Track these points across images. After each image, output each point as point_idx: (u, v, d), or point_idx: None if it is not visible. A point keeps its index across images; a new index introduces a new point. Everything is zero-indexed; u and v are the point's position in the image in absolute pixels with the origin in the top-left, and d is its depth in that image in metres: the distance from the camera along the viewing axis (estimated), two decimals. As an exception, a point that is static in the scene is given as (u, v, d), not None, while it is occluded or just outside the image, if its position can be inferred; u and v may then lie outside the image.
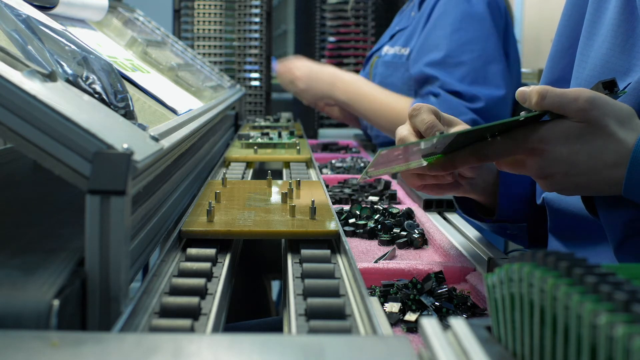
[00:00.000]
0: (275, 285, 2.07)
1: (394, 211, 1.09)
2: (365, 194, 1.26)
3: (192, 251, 0.66)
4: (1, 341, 0.40)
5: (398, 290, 0.76)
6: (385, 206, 1.12)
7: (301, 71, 1.89)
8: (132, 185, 0.52)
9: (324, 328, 0.50)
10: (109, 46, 1.20)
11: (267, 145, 1.40)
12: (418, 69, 1.70)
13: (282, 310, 0.63)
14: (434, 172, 0.78)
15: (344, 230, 0.90)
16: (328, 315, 0.53)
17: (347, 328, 0.50)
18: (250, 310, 1.78)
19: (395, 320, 0.72)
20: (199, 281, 0.57)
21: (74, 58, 0.67)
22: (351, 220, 1.05)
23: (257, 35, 2.37)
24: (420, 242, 0.98)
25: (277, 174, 1.16)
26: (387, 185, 1.30)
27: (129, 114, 0.68)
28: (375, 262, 0.88)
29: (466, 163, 0.75)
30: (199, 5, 2.34)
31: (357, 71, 2.40)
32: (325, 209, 0.81)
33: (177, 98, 1.13)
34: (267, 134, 1.51)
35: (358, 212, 1.09)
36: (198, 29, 2.35)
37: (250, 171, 1.21)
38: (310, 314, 0.53)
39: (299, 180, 0.95)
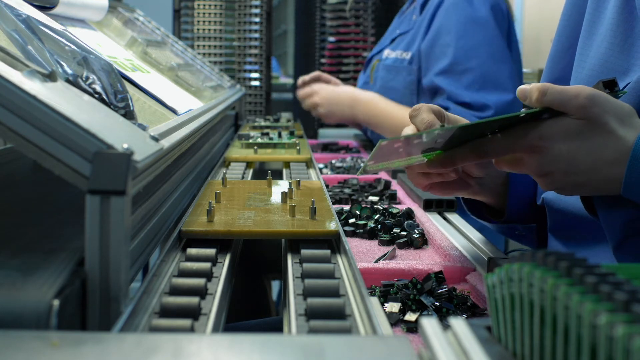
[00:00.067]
0: (275, 285, 2.07)
1: (394, 211, 1.09)
2: (365, 194, 1.26)
3: (192, 251, 0.66)
4: (1, 341, 0.40)
5: (398, 290, 0.76)
6: (385, 206, 1.12)
7: (320, 96, 1.90)
8: (132, 185, 0.52)
9: (324, 328, 0.50)
10: (109, 46, 1.20)
11: (267, 145, 1.40)
12: (429, 80, 1.70)
13: (282, 310, 0.63)
14: (433, 168, 0.77)
15: (344, 230, 0.90)
16: (328, 315, 0.53)
17: (347, 328, 0.50)
18: (250, 310, 1.78)
19: (395, 320, 0.72)
20: (199, 281, 0.57)
21: (74, 58, 0.67)
22: (351, 220, 1.05)
23: (257, 35, 2.37)
24: (420, 242, 0.98)
25: (277, 174, 1.16)
26: (387, 185, 1.30)
27: (129, 114, 0.68)
28: (375, 262, 0.88)
29: (466, 160, 0.75)
30: (199, 5, 2.34)
31: (356, 72, 2.40)
32: (325, 209, 0.81)
33: (177, 98, 1.13)
34: (267, 134, 1.51)
35: (358, 212, 1.09)
36: (198, 29, 2.35)
37: (250, 171, 1.21)
38: (310, 314, 0.53)
39: (299, 180, 0.95)
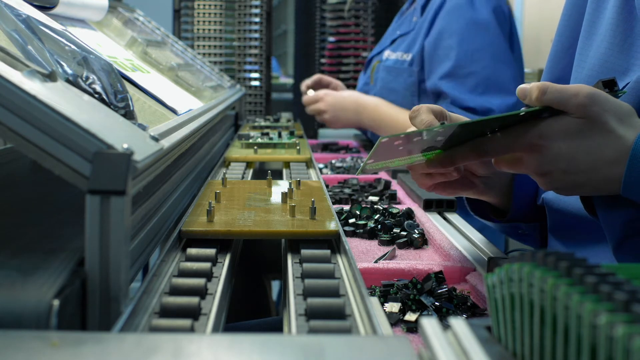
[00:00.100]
0: (275, 285, 2.07)
1: (394, 211, 1.09)
2: (365, 194, 1.26)
3: (192, 251, 0.66)
4: (1, 341, 0.40)
5: (398, 290, 0.76)
6: (385, 206, 1.12)
7: (326, 102, 1.90)
8: (132, 185, 0.52)
9: (324, 328, 0.50)
10: (109, 46, 1.20)
11: (267, 145, 1.40)
12: (432, 83, 1.70)
13: (282, 310, 0.63)
14: (433, 168, 0.77)
15: (344, 230, 0.90)
16: (328, 315, 0.53)
17: (347, 328, 0.50)
18: (250, 310, 1.78)
19: (395, 320, 0.72)
20: (199, 281, 0.57)
21: (74, 58, 0.67)
22: (351, 220, 1.05)
23: (257, 35, 2.37)
24: (420, 242, 0.98)
25: (277, 174, 1.16)
26: (387, 185, 1.30)
27: (129, 114, 0.68)
28: (375, 262, 0.88)
29: (466, 159, 0.75)
30: (199, 5, 2.34)
31: (356, 72, 2.40)
32: (325, 209, 0.81)
33: (177, 98, 1.13)
34: (267, 134, 1.51)
35: (358, 212, 1.09)
36: (198, 29, 2.35)
37: (250, 171, 1.21)
38: (310, 314, 0.53)
39: (299, 180, 0.95)
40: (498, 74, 1.64)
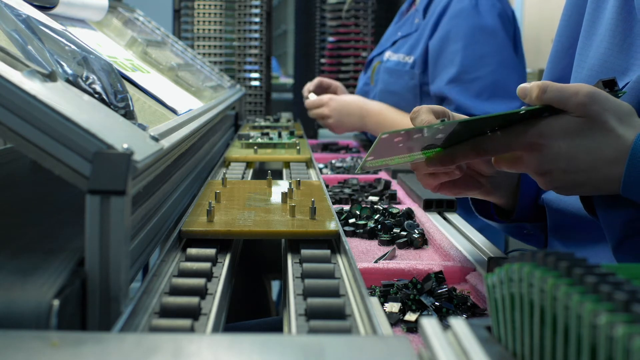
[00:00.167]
0: (275, 285, 2.07)
1: (394, 211, 1.09)
2: (365, 194, 1.26)
3: (192, 251, 0.66)
4: (1, 341, 0.40)
5: (398, 290, 0.76)
6: (385, 206, 1.12)
7: (330, 107, 1.90)
8: (132, 185, 0.52)
9: (324, 328, 0.50)
10: (109, 46, 1.20)
11: (267, 145, 1.40)
12: (437, 88, 1.69)
13: (282, 310, 0.63)
14: (433, 166, 0.77)
15: (344, 230, 0.90)
16: (328, 315, 0.53)
17: (347, 328, 0.50)
18: (250, 310, 1.78)
19: (395, 320, 0.72)
20: (199, 281, 0.57)
21: (74, 58, 0.67)
22: (351, 220, 1.05)
23: (257, 35, 2.37)
24: (420, 242, 0.98)
25: (277, 174, 1.16)
26: (387, 185, 1.30)
27: (129, 114, 0.68)
28: (375, 262, 0.88)
29: (466, 157, 0.75)
30: (199, 5, 2.34)
31: (356, 72, 2.40)
32: (325, 209, 0.81)
33: (177, 98, 1.13)
34: (267, 134, 1.51)
35: (358, 212, 1.09)
36: (198, 29, 2.35)
37: (250, 171, 1.21)
38: (310, 314, 0.53)
39: (299, 180, 0.95)
40: (504, 79, 1.63)
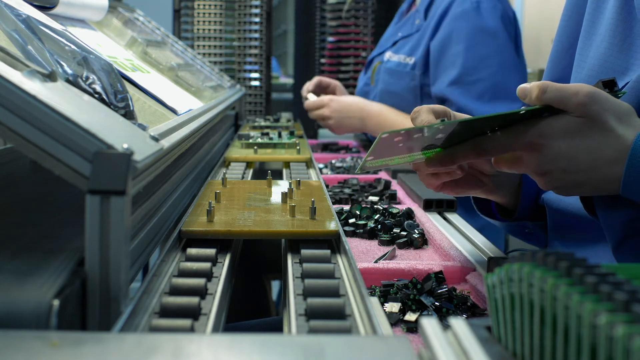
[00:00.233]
0: (275, 285, 2.07)
1: (394, 211, 1.09)
2: (365, 194, 1.26)
3: (192, 251, 0.66)
4: (1, 341, 0.40)
5: (398, 290, 0.76)
6: (385, 206, 1.12)
7: (331, 108, 1.89)
8: (132, 185, 0.52)
9: (324, 328, 0.50)
10: (109, 46, 1.20)
11: (267, 145, 1.40)
12: (438, 90, 1.69)
13: (282, 310, 0.63)
14: (433, 166, 0.77)
15: (344, 230, 0.90)
16: (328, 315, 0.53)
17: (347, 328, 0.50)
18: (250, 310, 1.78)
19: (395, 320, 0.72)
20: (199, 281, 0.57)
21: (74, 58, 0.67)
22: (351, 220, 1.05)
23: (257, 35, 2.37)
24: (420, 242, 0.98)
25: (277, 174, 1.16)
26: (387, 185, 1.30)
27: (129, 114, 0.68)
28: (375, 262, 0.88)
29: (466, 158, 0.75)
30: (199, 5, 2.34)
31: (356, 72, 2.40)
32: (325, 209, 0.81)
33: (177, 98, 1.13)
34: (267, 134, 1.51)
35: (358, 212, 1.09)
36: (198, 29, 2.35)
37: (250, 171, 1.21)
38: (310, 314, 0.53)
39: (299, 180, 0.95)
40: (505, 81, 1.63)
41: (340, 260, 0.67)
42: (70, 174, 0.50)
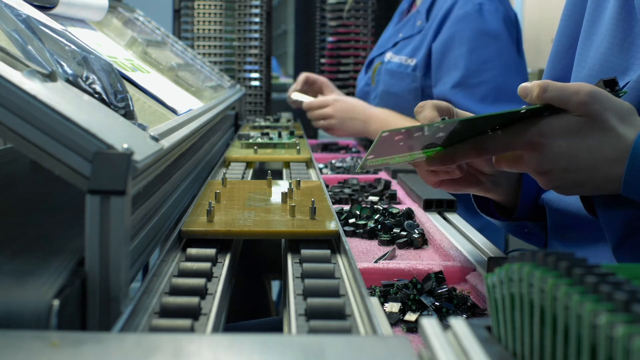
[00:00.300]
0: (275, 285, 2.07)
1: (394, 211, 1.09)
2: (365, 194, 1.26)
3: (192, 251, 0.66)
4: (1, 341, 0.40)
5: (398, 290, 0.76)
6: (385, 206, 1.12)
7: (335, 107, 1.89)
8: (132, 185, 0.52)
9: (324, 328, 0.50)
10: (109, 46, 1.20)
11: (267, 145, 1.40)
12: (440, 92, 1.68)
13: (282, 310, 0.63)
14: (433, 165, 0.77)
15: (344, 230, 0.90)
16: (328, 315, 0.53)
17: (347, 328, 0.50)
18: (250, 310, 1.78)
19: (395, 320, 0.72)
20: (199, 281, 0.57)
21: (74, 58, 0.67)
22: (351, 220, 1.05)
23: (257, 35, 2.37)
24: (420, 242, 0.98)
25: (277, 174, 1.16)
26: (387, 185, 1.30)
27: (129, 114, 0.68)
28: (375, 262, 0.88)
29: (466, 157, 0.75)
30: (199, 5, 2.34)
31: (356, 72, 2.40)
32: (325, 209, 0.81)
33: (177, 98, 1.13)
34: (267, 134, 1.51)
35: (358, 212, 1.09)
36: (198, 29, 2.35)
37: (250, 171, 1.21)
38: (310, 314, 0.53)
39: (299, 180, 0.95)
40: (508, 83, 1.63)
41: (340, 260, 0.67)
42: (70, 174, 0.50)
